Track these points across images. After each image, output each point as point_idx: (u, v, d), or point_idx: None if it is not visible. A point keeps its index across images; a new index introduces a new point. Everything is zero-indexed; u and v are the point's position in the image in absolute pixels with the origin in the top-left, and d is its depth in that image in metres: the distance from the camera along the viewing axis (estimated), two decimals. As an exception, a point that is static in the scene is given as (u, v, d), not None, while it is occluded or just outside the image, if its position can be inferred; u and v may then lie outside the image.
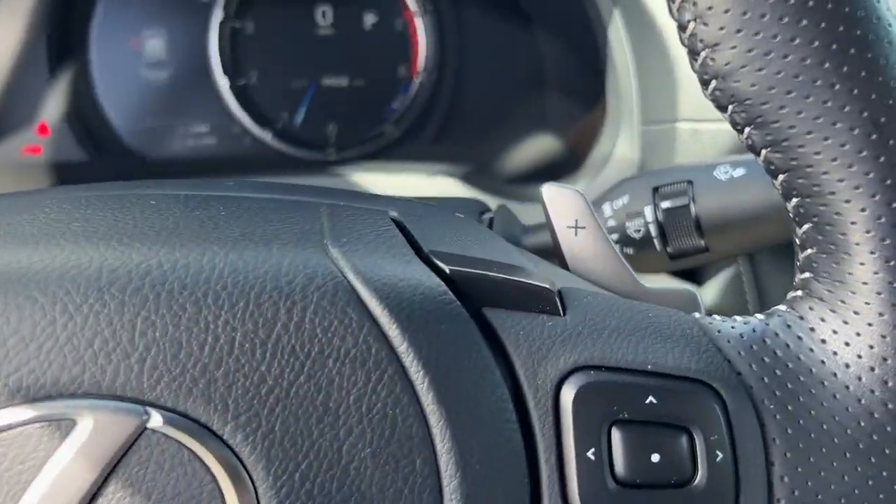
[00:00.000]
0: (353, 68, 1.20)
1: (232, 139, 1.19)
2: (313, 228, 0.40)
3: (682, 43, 0.39)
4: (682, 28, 0.38)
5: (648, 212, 0.72)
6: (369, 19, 1.19)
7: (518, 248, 0.46)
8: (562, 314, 0.38)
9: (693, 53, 0.38)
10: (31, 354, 0.34)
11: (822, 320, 0.39)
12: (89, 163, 1.15)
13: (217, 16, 1.14)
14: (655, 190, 0.72)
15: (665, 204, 0.71)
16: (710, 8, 0.36)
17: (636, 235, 0.73)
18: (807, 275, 0.40)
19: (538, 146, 1.16)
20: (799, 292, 0.40)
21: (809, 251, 0.39)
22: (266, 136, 1.16)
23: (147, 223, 0.40)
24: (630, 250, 0.73)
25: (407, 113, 1.19)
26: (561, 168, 1.11)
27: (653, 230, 0.72)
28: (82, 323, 0.35)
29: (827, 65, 0.35)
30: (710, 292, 0.96)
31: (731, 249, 0.73)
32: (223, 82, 1.15)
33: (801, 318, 0.39)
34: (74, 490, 0.34)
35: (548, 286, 0.38)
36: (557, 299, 0.38)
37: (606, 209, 0.74)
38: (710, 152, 0.87)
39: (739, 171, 0.69)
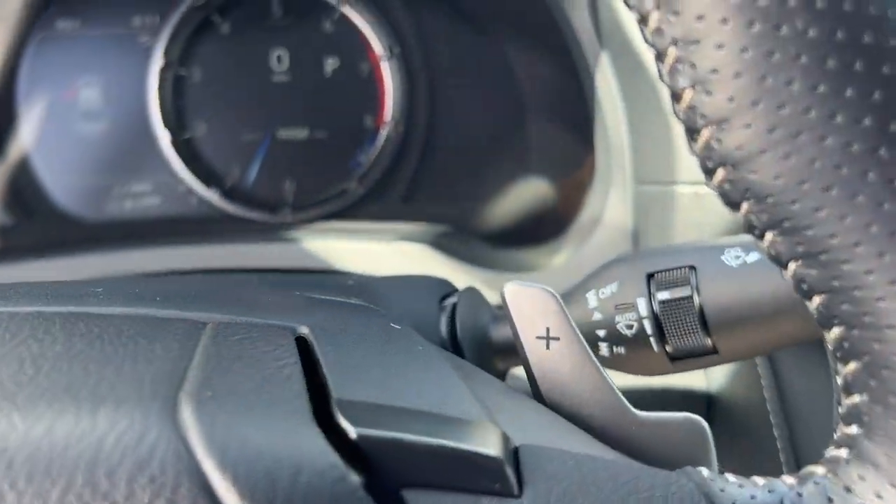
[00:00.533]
0: (313, 119, 1.07)
1: (177, 199, 1.06)
2: (174, 370, 0.30)
3: (677, 116, 0.30)
4: (675, 97, 0.29)
5: (642, 304, 0.57)
6: (330, 64, 1.06)
7: (473, 373, 0.39)
8: (516, 493, 0.28)
9: (691, 131, 0.29)
10: None
11: (879, 497, 0.30)
12: (15, 227, 1.02)
13: (157, 62, 1.02)
14: (650, 277, 0.58)
15: (662, 295, 0.57)
16: (714, 71, 0.28)
17: (628, 332, 0.59)
18: (854, 429, 0.31)
19: (518, 206, 1.02)
20: (843, 452, 0.31)
21: (858, 398, 0.31)
22: (213, 196, 1.03)
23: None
24: (621, 349, 0.58)
25: (373, 167, 1.05)
26: (544, 231, 0.97)
27: (648, 326, 0.58)
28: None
29: (882, 152, 0.26)
30: (718, 378, 0.81)
31: (746, 351, 0.58)
32: (164, 136, 1.02)
33: (848, 489, 0.30)
34: None
35: (495, 454, 0.28)
36: (511, 471, 0.28)
37: (591, 299, 0.59)
38: (715, 219, 0.72)
39: (753, 257, 0.55)
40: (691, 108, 0.28)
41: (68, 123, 1.04)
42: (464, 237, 0.99)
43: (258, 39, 1.05)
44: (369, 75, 1.07)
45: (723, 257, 0.56)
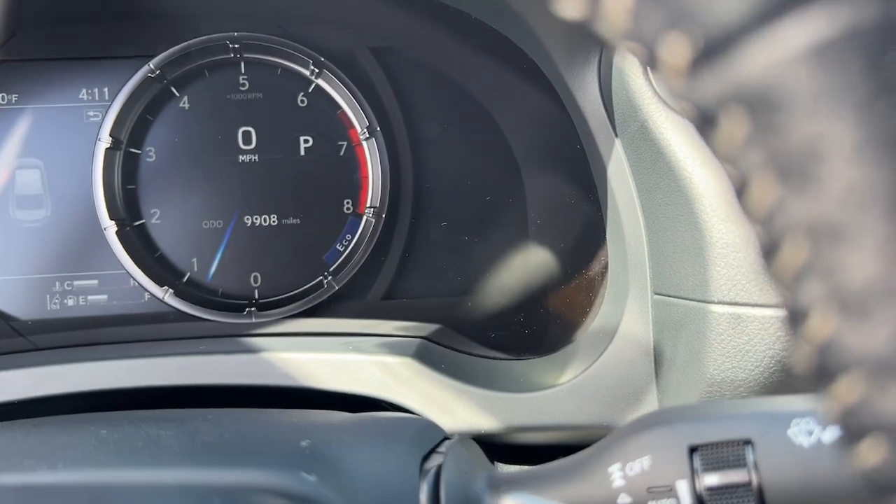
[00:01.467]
0: (284, 203, 0.94)
1: (126, 296, 0.92)
2: None
3: (795, 334, 0.21)
4: (795, 318, 0.20)
5: (683, 488, 0.44)
6: (304, 143, 0.94)
7: None
8: None
9: (825, 375, 0.20)
10: None
11: None
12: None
13: (103, 140, 0.89)
14: (693, 451, 0.45)
15: (710, 478, 0.44)
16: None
17: None
18: None
19: (514, 306, 0.89)
20: None
21: None
22: (165, 294, 0.90)
23: None
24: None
25: (351, 259, 0.93)
26: (545, 337, 0.84)
27: None
28: None
29: None
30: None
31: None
32: (110, 225, 0.89)
33: None
34: None
35: None
36: None
37: (615, 475, 0.46)
38: (762, 348, 0.60)
39: (831, 434, 0.42)
40: (827, 342, 0.19)
41: (3, 210, 0.91)
42: (452, 342, 0.85)
43: (222, 115, 0.93)
44: (347, 154, 0.95)
45: (790, 431, 0.43)
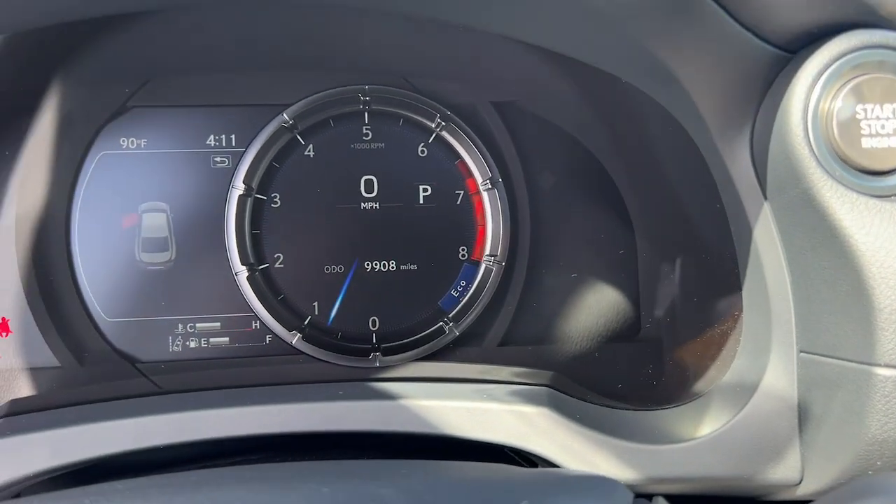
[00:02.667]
0: (402, 250, 0.96)
1: (250, 338, 0.94)
2: None
3: None
4: None
5: None
6: (423, 191, 0.97)
7: None
8: None
9: None
10: None
11: None
12: (60, 369, 0.89)
13: (237, 186, 0.91)
14: None
15: None
16: None
17: None
18: None
19: (635, 356, 0.92)
20: None
21: None
22: (293, 338, 0.91)
23: None
24: None
25: (471, 306, 0.95)
26: (672, 392, 0.86)
27: None
28: None
29: None
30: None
31: None
32: (241, 269, 0.91)
33: None
34: None
35: None
36: None
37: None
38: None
39: None
40: None
41: (128, 252, 0.93)
42: (574, 391, 0.87)
43: (346, 163, 0.95)
44: (464, 203, 0.97)
45: None
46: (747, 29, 0.66)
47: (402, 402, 0.82)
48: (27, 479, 0.74)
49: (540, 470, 0.67)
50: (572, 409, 0.82)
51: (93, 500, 0.54)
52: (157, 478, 0.62)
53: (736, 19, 0.65)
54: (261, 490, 0.55)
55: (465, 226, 0.97)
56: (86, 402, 0.84)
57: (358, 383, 0.88)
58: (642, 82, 0.75)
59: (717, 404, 0.80)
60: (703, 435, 0.78)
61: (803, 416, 0.74)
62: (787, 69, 0.69)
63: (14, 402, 0.83)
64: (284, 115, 0.91)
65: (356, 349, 0.93)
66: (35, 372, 0.89)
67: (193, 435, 0.78)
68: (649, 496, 0.60)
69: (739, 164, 0.74)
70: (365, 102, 0.93)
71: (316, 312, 0.95)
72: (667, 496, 0.67)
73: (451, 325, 0.94)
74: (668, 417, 0.83)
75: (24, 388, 0.88)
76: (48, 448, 0.74)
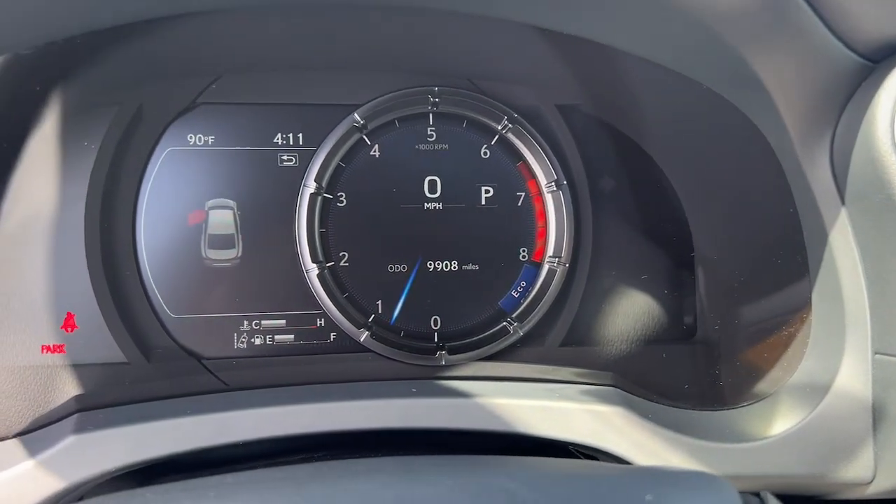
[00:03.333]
0: (463, 250, 0.97)
1: (314, 336, 0.94)
2: None
3: None
4: None
5: None
6: (487, 192, 0.98)
7: None
8: None
9: None
10: None
11: None
12: (126, 365, 0.89)
13: (310, 185, 0.92)
14: None
15: None
16: None
17: None
18: None
19: (697, 358, 0.94)
20: None
21: None
22: (361, 335, 0.92)
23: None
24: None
25: (532, 307, 0.96)
26: (736, 392, 0.88)
27: None
28: None
29: None
30: None
31: None
32: (312, 267, 0.91)
33: None
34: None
35: None
36: None
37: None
38: None
39: None
40: None
41: (194, 249, 0.93)
42: (636, 391, 0.89)
43: (410, 164, 0.96)
44: (525, 205, 0.99)
45: None
46: (838, 38, 0.68)
47: (476, 400, 0.83)
48: (105, 475, 0.74)
49: (640, 466, 0.68)
50: (643, 408, 0.84)
51: (217, 494, 0.54)
52: (270, 471, 0.62)
53: (830, 28, 0.67)
54: (387, 483, 0.56)
55: (526, 227, 0.98)
56: (155, 398, 0.85)
57: (428, 381, 0.89)
58: (725, 88, 0.77)
59: (787, 404, 0.82)
60: (775, 434, 0.80)
61: (878, 415, 0.76)
62: (871, 78, 0.71)
63: (84, 397, 0.83)
64: (356, 115, 0.92)
65: (421, 347, 0.94)
66: (102, 368, 0.88)
67: (272, 431, 0.78)
68: (755, 493, 0.61)
69: (818, 170, 0.76)
70: (434, 104, 0.94)
71: (379, 311, 0.96)
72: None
73: (515, 325, 0.95)
74: (737, 417, 0.85)
75: (91, 384, 0.87)
76: (127, 444, 0.74)
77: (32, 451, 0.74)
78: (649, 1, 0.69)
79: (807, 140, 0.76)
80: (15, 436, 0.80)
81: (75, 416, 0.79)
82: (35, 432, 0.79)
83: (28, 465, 0.72)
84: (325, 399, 0.81)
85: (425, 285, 0.97)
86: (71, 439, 0.73)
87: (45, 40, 0.74)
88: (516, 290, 0.98)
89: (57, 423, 0.80)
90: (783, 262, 0.85)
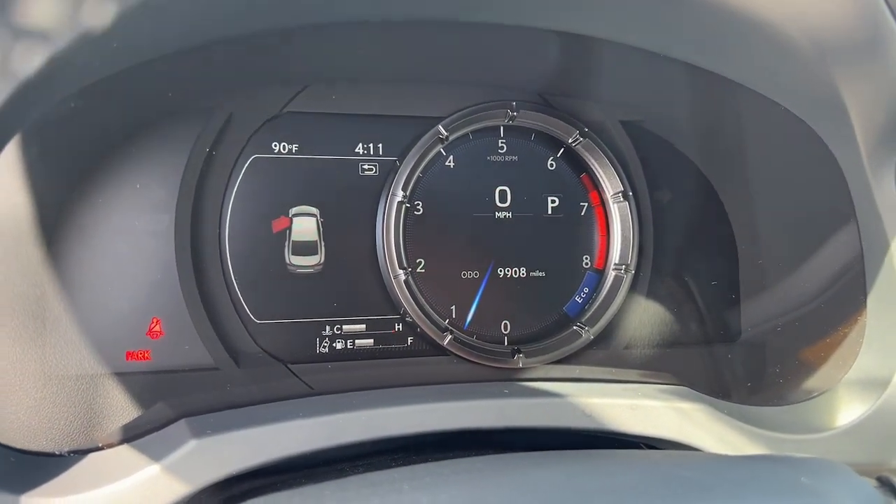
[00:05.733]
0: (531, 257, 1.02)
1: (392, 340, 0.97)
2: None
3: None
4: None
5: None
6: (553, 202, 1.03)
7: None
8: None
9: None
10: None
11: None
12: (213, 371, 0.89)
13: (398, 194, 0.94)
14: None
15: None
16: None
17: None
18: None
19: (755, 361, 1.01)
20: None
21: None
22: (444, 339, 0.95)
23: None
24: None
25: (600, 312, 1.01)
26: (795, 389, 0.95)
27: None
28: None
29: None
30: None
31: None
32: (399, 273, 0.94)
33: None
34: None
35: None
36: None
37: None
38: None
39: None
40: None
41: (278, 255, 0.94)
42: (705, 390, 0.95)
43: (482, 174, 1.00)
44: (587, 214, 1.04)
45: None
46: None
47: (564, 399, 0.88)
48: (226, 477, 0.75)
49: (769, 454, 0.74)
50: (717, 405, 0.90)
51: (412, 487, 0.57)
52: (440, 464, 0.64)
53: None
54: (575, 474, 0.59)
55: (589, 236, 1.04)
56: (250, 403, 0.86)
57: (512, 383, 0.93)
58: (803, 110, 0.85)
59: (847, 398, 0.90)
60: (840, 425, 0.87)
61: (938, 408, 0.85)
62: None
63: (181, 403, 0.84)
64: (440, 127, 0.96)
65: (496, 351, 0.98)
66: (191, 373, 0.88)
67: (386, 432, 0.80)
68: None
69: (883, 185, 0.84)
70: (511, 117, 0.99)
71: (454, 315, 0.99)
72: None
73: (586, 329, 1.00)
74: (801, 411, 0.93)
75: (181, 389, 0.87)
76: (247, 447, 0.75)
77: (150, 456, 0.74)
78: (747, 26, 0.75)
79: (874, 158, 0.84)
80: (122, 442, 0.80)
81: (183, 421, 0.80)
82: (144, 438, 0.79)
83: (151, 470, 0.72)
84: (426, 401, 0.84)
85: (496, 291, 1.01)
86: (192, 444, 0.74)
87: (170, 51, 0.75)
88: (580, 296, 1.03)
89: (165, 429, 0.80)
90: (839, 270, 0.93)
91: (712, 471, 0.61)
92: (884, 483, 0.67)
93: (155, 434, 0.79)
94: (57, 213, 0.84)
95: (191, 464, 0.73)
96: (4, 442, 0.75)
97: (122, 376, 0.87)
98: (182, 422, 0.79)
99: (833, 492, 0.59)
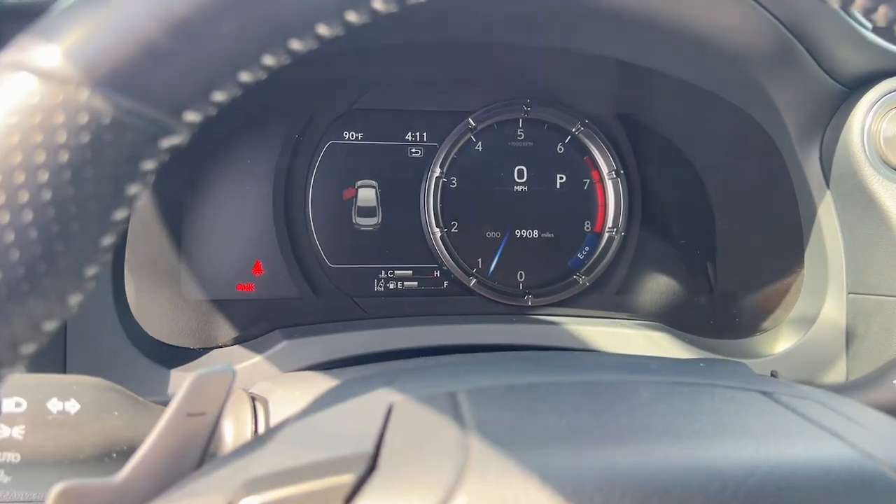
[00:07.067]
0: (543, 222, 1.29)
1: (432, 283, 1.26)
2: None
3: None
4: None
5: None
6: (561, 179, 1.30)
7: None
8: None
9: None
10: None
11: None
12: (301, 300, 1.21)
13: (435, 171, 1.24)
14: None
15: None
16: None
17: None
18: None
19: (721, 305, 1.25)
20: None
21: None
22: (470, 281, 1.24)
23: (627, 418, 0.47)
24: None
25: (596, 264, 1.28)
26: (750, 326, 1.20)
27: None
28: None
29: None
30: None
31: None
32: (436, 231, 1.23)
33: None
34: None
35: None
36: None
37: None
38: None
39: None
40: None
41: (347, 217, 1.25)
42: (680, 327, 1.20)
43: (505, 156, 1.28)
44: (589, 189, 1.31)
45: None
46: (826, 73, 1.00)
47: (558, 327, 1.15)
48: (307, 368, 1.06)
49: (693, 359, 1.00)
50: (682, 336, 1.16)
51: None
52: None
53: (820, 66, 0.99)
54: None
55: (590, 206, 1.30)
56: (325, 321, 1.17)
57: (521, 315, 1.21)
58: (743, 102, 1.09)
59: (787, 333, 1.14)
60: (778, 352, 1.12)
61: (850, 337, 1.08)
62: (849, 100, 1.03)
63: (276, 320, 1.15)
64: (470, 119, 1.24)
65: (512, 292, 1.26)
66: (283, 301, 1.20)
67: (421, 343, 1.10)
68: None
69: (810, 163, 1.08)
70: (526, 111, 1.26)
71: (479, 266, 1.28)
72: None
73: (583, 278, 1.27)
74: (751, 343, 1.17)
75: (277, 312, 1.19)
76: (327, 346, 1.06)
77: (254, 351, 1.06)
78: (695, 42, 1.01)
79: (802, 142, 1.07)
80: (234, 343, 1.12)
81: (277, 331, 1.11)
82: (251, 341, 1.12)
83: (255, 359, 1.04)
84: (457, 323, 1.14)
85: (514, 248, 1.29)
86: (283, 343, 1.05)
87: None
88: (581, 253, 1.30)
89: (264, 336, 1.12)
90: (784, 232, 1.17)
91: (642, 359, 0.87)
92: (773, 376, 0.92)
93: (257, 339, 1.11)
94: (189, 182, 1.16)
95: (282, 357, 1.04)
96: (157, 337, 1.08)
97: (234, 302, 1.19)
98: (276, 331, 1.11)
99: (718, 371, 0.84)
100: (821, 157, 1.07)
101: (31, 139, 0.33)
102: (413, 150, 1.27)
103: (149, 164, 0.36)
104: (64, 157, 0.33)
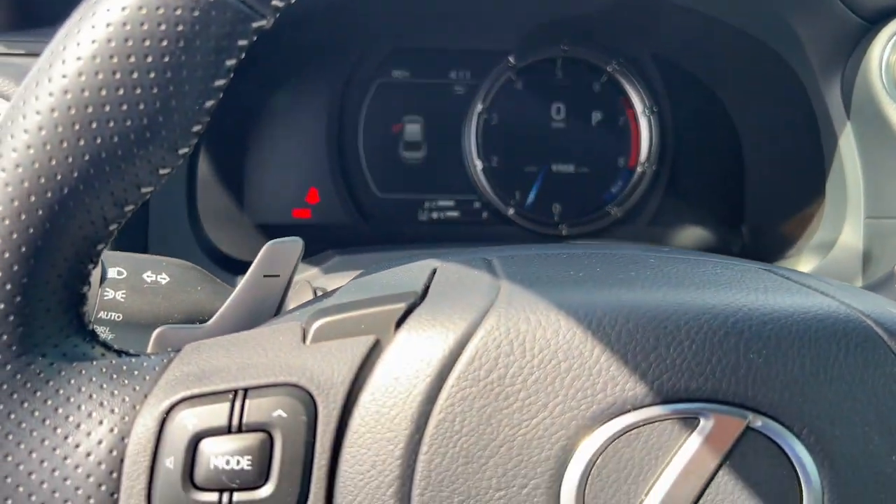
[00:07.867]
0: (579, 157, 1.37)
1: (472, 213, 1.36)
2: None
3: None
4: None
5: None
6: (596, 116, 1.37)
7: None
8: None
9: None
10: (662, 369, 0.45)
11: None
12: (352, 227, 1.32)
13: (477, 107, 1.33)
14: None
15: None
16: None
17: None
18: None
19: (749, 233, 1.32)
20: None
21: None
22: (509, 211, 1.33)
23: (669, 277, 0.54)
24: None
25: (629, 197, 1.36)
26: (777, 251, 1.26)
27: None
28: (689, 349, 0.46)
29: None
30: None
31: None
32: (478, 164, 1.33)
33: None
34: (699, 474, 0.45)
35: None
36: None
37: None
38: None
39: None
40: None
41: (394, 150, 1.35)
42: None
43: (543, 94, 1.36)
44: (625, 126, 1.38)
45: None
46: (848, 7, 1.05)
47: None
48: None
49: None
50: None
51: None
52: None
53: (842, 1, 1.04)
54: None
55: (624, 142, 1.38)
56: (375, 243, 1.28)
57: (547, 241, 1.30)
58: (769, 38, 1.15)
59: (807, 258, 1.20)
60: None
61: (866, 259, 1.14)
62: (869, 34, 1.08)
63: (331, 242, 1.27)
64: (510, 58, 1.32)
65: (548, 222, 1.35)
66: (336, 227, 1.32)
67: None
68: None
69: (832, 95, 1.13)
70: (564, 52, 1.34)
71: (517, 198, 1.37)
72: None
73: (615, 209, 1.35)
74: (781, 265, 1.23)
75: (332, 236, 1.31)
76: (371, 260, 1.17)
77: (310, 265, 1.18)
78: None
79: (825, 73, 1.13)
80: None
81: (330, 250, 1.23)
82: (308, 258, 1.23)
83: (312, 270, 1.16)
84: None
85: (550, 182, 1.37)
86: (336, 258, 1.17)
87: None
88: (615, 187, 1.38)
89: (320, 254, 1.24)
90: (807, 164, 1.22)
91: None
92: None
93: (313, 256, 1.23)
94: (254, 114, 1.28)
95: (336, 269, 1.16)
96: (225, 252, 1.21)
97: (291, 227, 1.32)
98: (330, 251, 1.23)
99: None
100: (842, 90, 1.12)
101: (155, 13, 0.43)
102: (456, 88, 1.36)
103: (242, 41, 0.46)
104: (179, 28, 0.44)
